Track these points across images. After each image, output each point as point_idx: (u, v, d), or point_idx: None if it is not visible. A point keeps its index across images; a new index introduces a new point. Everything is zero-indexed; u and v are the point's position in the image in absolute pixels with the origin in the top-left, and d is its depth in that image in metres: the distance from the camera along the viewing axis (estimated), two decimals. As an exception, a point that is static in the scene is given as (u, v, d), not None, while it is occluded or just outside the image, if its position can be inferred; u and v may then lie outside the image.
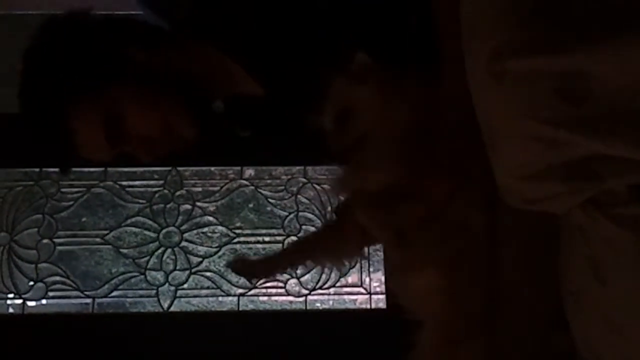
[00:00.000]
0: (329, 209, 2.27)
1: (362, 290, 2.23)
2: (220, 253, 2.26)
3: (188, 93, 1.13)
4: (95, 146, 1.13)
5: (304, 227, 2.27)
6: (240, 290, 2.22)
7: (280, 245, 2.26)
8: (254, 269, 1.14)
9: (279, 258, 1.16)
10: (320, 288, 2.23)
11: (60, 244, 2.26)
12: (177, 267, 2.24)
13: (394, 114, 0.93)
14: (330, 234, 1.10)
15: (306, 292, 2.22)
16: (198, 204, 2.31)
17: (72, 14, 1.14)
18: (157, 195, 2.31)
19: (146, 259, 2.25)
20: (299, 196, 2.32)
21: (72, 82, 1.09)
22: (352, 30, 1.05)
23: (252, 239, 2.27)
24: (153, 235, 2.27)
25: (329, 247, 1.09)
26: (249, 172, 2.35)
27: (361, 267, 2.24)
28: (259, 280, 1.18)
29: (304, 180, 2.33)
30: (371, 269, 2.24)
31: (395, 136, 0.93)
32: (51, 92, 1.09)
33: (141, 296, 2.22)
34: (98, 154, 1.15)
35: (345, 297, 2.24)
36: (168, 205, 2.31)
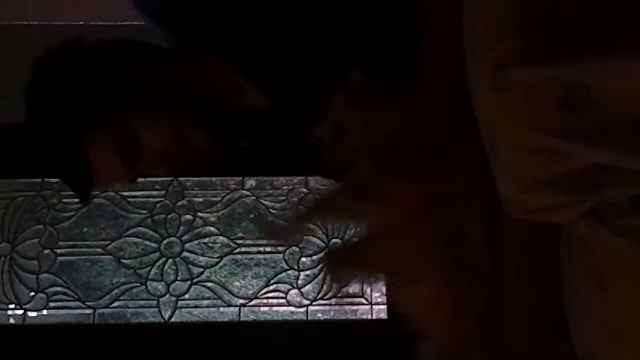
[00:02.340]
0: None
1: (363, 300, 2.23)
2: (221, 264, 2.26)
3: (195, 104, 1.13)
4: (113, 171, 1.12)
5: (305, 237, 2.27)
6: (242, 301, 2.22)
7: (282, 255, 2.26)
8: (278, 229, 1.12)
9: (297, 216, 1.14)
10: (322, 299, 2.22)
11: (62, 255, 2.25)
12: (179, 278, 2.24)
13: (384, 126, 0.94)
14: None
15: (307, 302, 2.22)
16: (199, 214, 2.31)
17: (66, 44, 1.14)
18: (158, 205, 2.31)
19: (147, 269, 2.25)
20: (300, 207, 2.31)
21: (78, 114, 1.08)
22: (351, 35, 1.05)
23: (254, 249, 2.27)
24: (154, 245, 2.27)
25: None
26: (251, 182, 2.35)
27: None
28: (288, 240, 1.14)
29: (305, 190, 2.33)
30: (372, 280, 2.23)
31: (383, 148, 0.93)
32: (59, 127, 1.09)
33: (142, 307, 2.21)
34: (116, 179, 1.15)
35: (347, 307, 2.24)
36: (169, 216, 2.31)
